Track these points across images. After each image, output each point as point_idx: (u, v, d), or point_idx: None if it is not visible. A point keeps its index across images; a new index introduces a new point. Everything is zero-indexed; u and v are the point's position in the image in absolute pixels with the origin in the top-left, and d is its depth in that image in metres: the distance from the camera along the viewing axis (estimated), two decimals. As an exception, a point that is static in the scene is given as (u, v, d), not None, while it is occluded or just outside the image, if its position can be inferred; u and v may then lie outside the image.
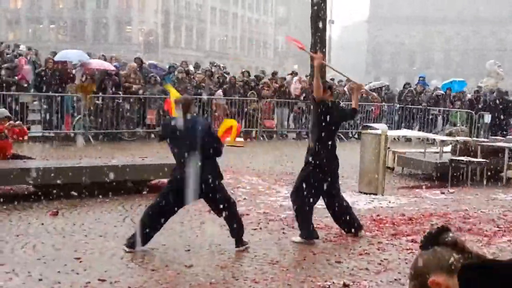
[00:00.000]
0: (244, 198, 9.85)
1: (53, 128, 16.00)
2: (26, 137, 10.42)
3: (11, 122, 9.64)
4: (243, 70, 22.74)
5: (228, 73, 22.09)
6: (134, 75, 17.51)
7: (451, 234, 1.78)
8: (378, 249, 7.09)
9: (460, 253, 1.75)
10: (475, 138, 16.61)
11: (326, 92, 7.46)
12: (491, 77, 29.89)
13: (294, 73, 23.69)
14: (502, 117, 20.71)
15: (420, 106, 21.81)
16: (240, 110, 18.91)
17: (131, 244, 6.54)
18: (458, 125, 18.91)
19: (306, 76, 21.54)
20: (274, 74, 22.43)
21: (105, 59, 19.19)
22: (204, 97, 18.14)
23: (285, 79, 21.55)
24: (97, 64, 17.57)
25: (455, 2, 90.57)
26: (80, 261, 6.18)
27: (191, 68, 21.53)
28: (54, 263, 6.09)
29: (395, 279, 6.03)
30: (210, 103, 18.46)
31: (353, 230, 7.62)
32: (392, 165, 14.15)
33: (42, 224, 7.63)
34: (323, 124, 7.26)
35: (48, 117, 15.91)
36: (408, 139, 19.63)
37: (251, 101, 19.09)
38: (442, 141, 14.45)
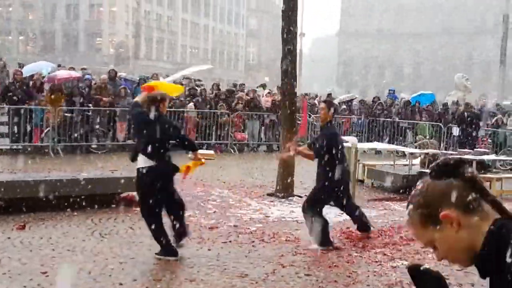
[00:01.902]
0: (215, 211, 9.83)
1: (22, 140, 15.81)
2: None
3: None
4: (214, 82, 22.73)
5: (199, 86, 22.03)
6: (104, 88, 17.43)
7: (470, 169, 1.67)
8: (347, 262, 7.12)
9: (479, 194, 1.65)
10: (443, 151, 16.80)
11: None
12: (459, 90, 30.34)
13: (262, 85, 23.74)
14: (470, 130, 20.97)
15: (389, 119, 22.01)
16: (211, 123, 18.90)
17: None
18: (427, 137, 19.10)
19: (278, 87, 21.61)
20: (241, 85, 22.42)
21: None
22: (175, 109, 18.13)
23: (255, 91, 21.55)
24: (63, 74, 17.39)
25: (424, 16, 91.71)
26: (47, 276, 6.10)
27: (161, 80, 21.42)
28: (20, 278, 6.01)
29: (364, 292, 6.06)
30: (181, 116, 18.41)
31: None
32: (362, 177, 14.21)
33: (9, 238, 7.52)
34: None
35: (16, 129, 15.72)
36: (378, 152, 19.76)
37: (221, 113, 19.07)
38: (411, 153, 14.58)
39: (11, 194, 8.87)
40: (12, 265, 6.44)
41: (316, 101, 22.88)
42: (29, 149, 15.95)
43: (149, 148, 6.66)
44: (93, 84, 17.91)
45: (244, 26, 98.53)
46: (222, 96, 20.06)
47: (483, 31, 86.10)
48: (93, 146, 16.97)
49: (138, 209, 9.57)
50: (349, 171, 8.19)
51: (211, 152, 16.49)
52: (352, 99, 24.66)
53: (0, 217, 8.55)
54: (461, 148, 18.31)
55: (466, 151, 15.85)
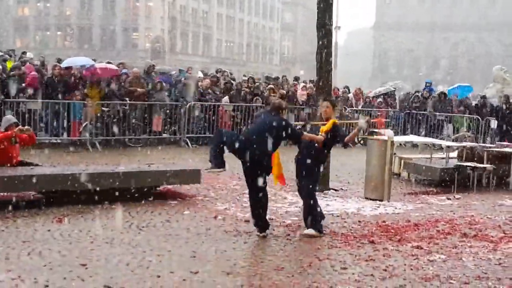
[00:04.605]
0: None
1: (60, 134, 16.05)
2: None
3: (20, 127, 9.67)
4: (249, 76, 22.74)
5: (234, 79, 22.09)
6: (137, 80, 17.62)
7: None
8: (384, 255, 7.08)
9: None
10: (481, 144, 16.59)
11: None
12: (497, 83, 29.91)
13: (296, 78, 23.68)
14: (508, 122, 20.67)
15: (426, 112, 21.79)
16: (246, 116, 18.91)
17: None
18: (465, 130, 18.89)
19: (311, 81, 21.57)
20: (276, 79, 22.36)
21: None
22: (210, 103, 18.20)
23: (291, 85, 21.50)
24: (100, 66, 17.59)
25: (461, 9, 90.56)
26: (86, 268, 6.20)
27: (200, 74, 21.58)
28: (60, 270, 6.11)
29: (400, 286, 6.02)
30: (216, 110, 18.48)
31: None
32: (398, 171, 14.14)
33: (49, 230, 7.66)
34: None
35: (55, 123, 15.97)
36: (414, 145, 19.60)
37: (256, 107, 19.06)
38: (448, 146, 14.43)
39: (51, 187, 9.03)
40: (52, 257, 6.56)
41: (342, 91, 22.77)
42: (67, 143, 16.19)
43: None
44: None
45: (279, 20, 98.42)
46: (257, 90, 20.04)
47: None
48: (131, 139, 17.15)
49: (175, 202, 9.74)
50: None
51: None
52: (388, 92, 24.46)
53: (40, 210, 8.72)
54: (499, 141, 18.07)
55: (504, 144, 15.63)
